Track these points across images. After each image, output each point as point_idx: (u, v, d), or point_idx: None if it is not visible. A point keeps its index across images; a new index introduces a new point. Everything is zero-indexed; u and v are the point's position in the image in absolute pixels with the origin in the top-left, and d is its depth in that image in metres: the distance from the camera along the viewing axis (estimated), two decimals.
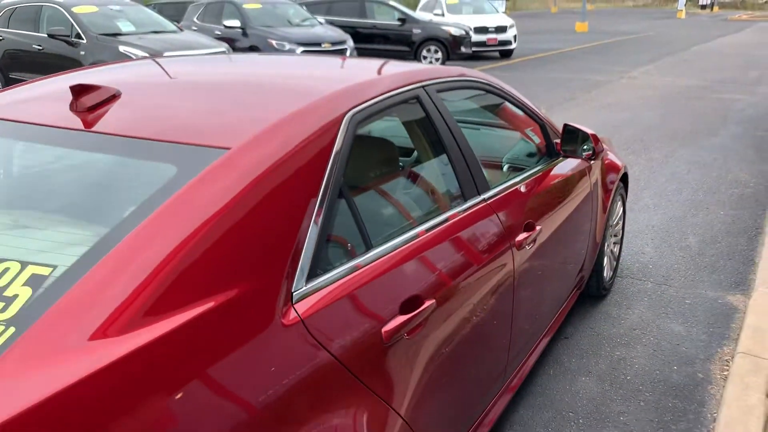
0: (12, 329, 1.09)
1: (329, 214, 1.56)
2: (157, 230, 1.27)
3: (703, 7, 52.94)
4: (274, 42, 10.71)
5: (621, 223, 3.94)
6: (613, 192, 3.53)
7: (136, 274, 1.19)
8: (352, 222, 1.66)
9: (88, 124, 1.62)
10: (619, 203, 3.81)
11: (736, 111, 9.43)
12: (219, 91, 1.88)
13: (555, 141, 2.93)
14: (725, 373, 3.01)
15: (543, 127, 2.89)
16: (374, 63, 2.29)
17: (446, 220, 1.98)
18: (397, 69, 2.17)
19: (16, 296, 1.15)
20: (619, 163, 3.69)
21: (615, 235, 3.85)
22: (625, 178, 3.85)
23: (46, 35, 8.82)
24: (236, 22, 11.23)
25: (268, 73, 2.21)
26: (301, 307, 1.40)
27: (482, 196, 2.19)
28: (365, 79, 1.97)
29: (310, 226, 1.49)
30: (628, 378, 3.01)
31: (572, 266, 3.06)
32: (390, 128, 2.32)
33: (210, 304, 1.23)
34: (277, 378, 1.29)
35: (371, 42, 14.26)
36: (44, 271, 1.20)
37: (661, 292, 3.84)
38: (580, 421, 2.71)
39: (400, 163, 2.37)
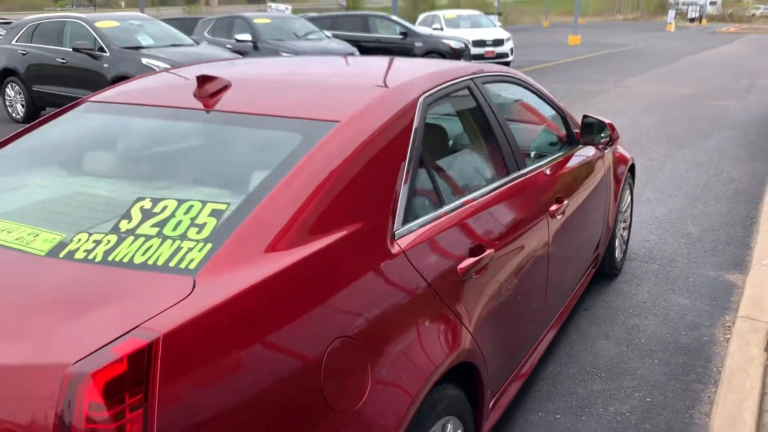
0: (210, 245, 1.47)
1: (414, 176, 1.94)
2: (299, 180, 1.65)
3: (692, 20, 53.97)
4: (285, 54, 11.17)
5: (629, 210, 4.34)
6: (622, 181, 3.93)
7: (291, 209, 1.58)
8: (429, 183, 2.05)
9: (220, 106, 2.01)
10: (628, 192, 4.21)
11: (727, 116, 9.90)
12: (312, 82, 2.28)
13: (575, 131, 3.33)
14: (727, 335, 3.40)
15: (564, 117, 3.30)
16: (429, 61, 2.69)
17: (494, 189, 2.38)
18: (449, 65, 2.57)
19: (205, 224, 1.53)
20: (627, 155, 4.10)
21: (624, 221, 4.25)
22: (632, 170, 4.26)
23: (69, 49, 9.22)
24: (247, 36, 11.69)
25: (347, 69, 2.61)
26: (402, 243, 1.79)
27: (521, 172, 2.59)
28: (428, 72, 2.36)
29: (401, 183, 1.88)
30: (642, 341, 3.39)
31: (590, 243, 3.45)
32: (446, 115, 2.71)
33: (344, 232, 1.62)
34: (387, 293, 1.68)
35: (375, 55, 14.73)
36: (222, 206, 1.58)
37: (667, 273, 4.24)
38: (603, 374, 3.09)
39: (459, 140, 2.77)
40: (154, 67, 8.52)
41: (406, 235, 1.83)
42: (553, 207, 2.69)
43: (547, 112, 3.30)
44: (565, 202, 2.83)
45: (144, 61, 8.68)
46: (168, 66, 8.55)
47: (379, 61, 2.76)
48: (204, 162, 1.89)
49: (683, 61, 19.74)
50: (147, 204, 1.62)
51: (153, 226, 1.55)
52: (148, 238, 1.51)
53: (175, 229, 1.53)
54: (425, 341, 1.74)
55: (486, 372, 2.07)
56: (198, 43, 10.12)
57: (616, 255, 4.05)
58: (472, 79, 2.52)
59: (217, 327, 1.29)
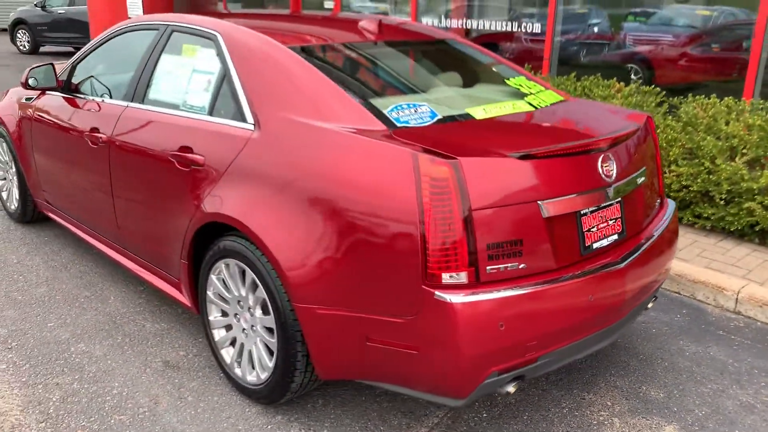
0: (549, 91, 2.97)
1: None
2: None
3: None
4: None
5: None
6: None
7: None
8: None
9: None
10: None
11: None
12: None
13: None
14: None
15: None
16: None
17: None
18: None
19: (536, 84, 2.98)
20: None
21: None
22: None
23: None
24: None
25: None
26: None
27: None
28: None
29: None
30: None
31: None
32: None
33: None
34: None
35: None
36: (537, 86, 2.95)
37: None
38: None
39: None
40: None
41: None
42: None
43: None
44: None
45: None
46: None
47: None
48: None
49: None
50: (514, 81, 2.95)
51: (529, 85, 2.91)
52: (540, 92, 2.88)
53: (532, 88, 2.90)
54: None
55: None
56: None
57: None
58: None
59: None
